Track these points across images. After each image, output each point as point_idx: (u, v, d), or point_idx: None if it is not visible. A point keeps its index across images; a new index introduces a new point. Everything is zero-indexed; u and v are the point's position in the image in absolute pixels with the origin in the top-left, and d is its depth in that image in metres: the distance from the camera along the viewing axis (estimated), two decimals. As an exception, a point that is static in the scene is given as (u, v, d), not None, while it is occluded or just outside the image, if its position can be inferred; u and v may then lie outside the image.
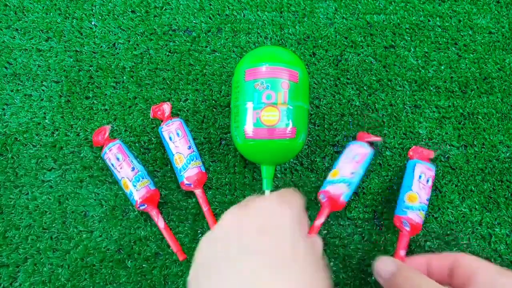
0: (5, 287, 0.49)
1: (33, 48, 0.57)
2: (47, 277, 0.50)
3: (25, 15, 0.58)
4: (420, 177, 0.48)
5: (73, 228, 0.51)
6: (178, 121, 0.51)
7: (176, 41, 0.58)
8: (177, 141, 0.50)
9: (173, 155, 0.51)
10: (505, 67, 0.58)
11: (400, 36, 0.59)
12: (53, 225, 0.51)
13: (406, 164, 0.51)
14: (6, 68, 0.56)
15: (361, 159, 0.47)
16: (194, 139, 0.53)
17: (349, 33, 0.59)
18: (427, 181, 0.47)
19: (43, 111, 0.55)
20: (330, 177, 0.47)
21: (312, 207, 0.53)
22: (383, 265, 0.38)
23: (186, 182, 0.50)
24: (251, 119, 0.45)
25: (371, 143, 0.50)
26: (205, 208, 0.51)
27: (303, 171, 0.54)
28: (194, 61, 0.57)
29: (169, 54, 0.57)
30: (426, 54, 0.58)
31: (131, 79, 0.56)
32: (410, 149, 0.52)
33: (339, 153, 0.54)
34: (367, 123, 0.55)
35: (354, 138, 0.55)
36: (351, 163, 0.47)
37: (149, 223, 0.52)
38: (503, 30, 0.59)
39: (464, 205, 0.53)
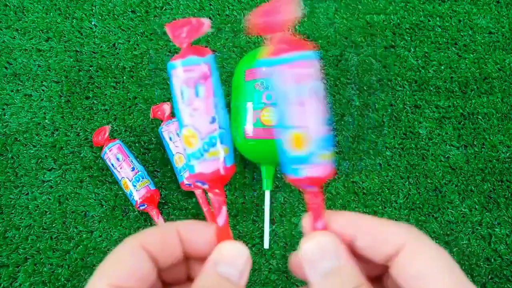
0: (5, 287, 0.49)
1: (33, 48, 0.57)
2: (47, 277, 0.50)
3: (25, 15, 0.58)
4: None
5: (73, 228, 0.51)
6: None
7: (176, 41, 0.58)
8: (177, 141, 0.50)
9: (173, 155, 0.51)
10: (505, 67, 0.58)
11: (400, 36, 0.59)
12: (53, 225, 0.51)
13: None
14: (6, 68, 0.56)
15: (313, 85, 0.21)
16: (194, 139, 0.53)
17: (349, 33, 0.59)
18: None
19: (43, 111, 0.55)
20: (294, 150, 0.21)
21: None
22: (317, 252, 0.20)
23: (186, 182, 0.50)
24: (251, 119, 0.45)
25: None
26: (205, 209, 0.51)
27: (303, 171, 0.54)
28: (194, 61, 0.57)
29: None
30: (426, 54, 0.58)
31: (131, 79, 0.56)
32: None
33: (339, 153, 0.54)
34: None
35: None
36: (310, 105, 0.21)
37: (149, 223, 0.52)
38: (503, 30, 0.59)
39: (464, 205, 0.53)
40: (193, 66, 0.20)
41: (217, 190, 0.21)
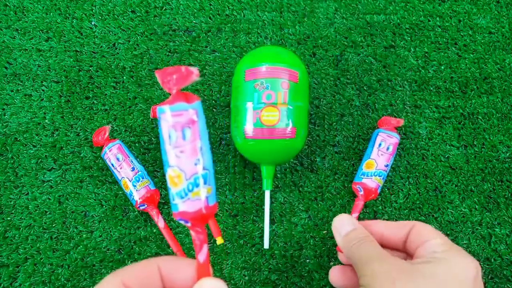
0: (5, 287, 0.49)
1: (33, 48, 0.57)
2: (47, 277, 0.50)
3: (25, 15, 0.58)
4: (380, 145, 0.50)
5: (73, 228, 0.51)
6: (178, 121, 0.51)
7: (176, 41, 0.58)
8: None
9: (173, 155, 0.50)
10: (505, 67, 0.58)
11: (400, 36, 0.59)
12: (53, 225, 0.51)
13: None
14: (6, 68, 0.56)
15: (393, 150, 0.49)
16: (194, 139, 0.53)
17: (349, 33, 0.59)
18: (387, 148, 0.49)
19: (43, 111, 0.55)
20: (365, 168, 0.50)
21: (312, 207, 0.53)
22: (340, 223, 0.36)
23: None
24: (251, 119, 0.45)
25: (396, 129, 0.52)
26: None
27: (303, 171, 0.54)
28: (194, 61, 0.57)
29: (169, 54, 0.57)
30: (426, 54, 0.58)
31: (131, 79, 0.56)
32: (379, 120, 0.54)
33: (339, 153, 0.54)
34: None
35: (374, 126, 0.55)
36: (385, 155, 0.49)
37: (149, 223, 0.52)
38: (503, 30, 0.59)
39: (464, 205, 0.53)
40: (181, 111, 0.22)
41: (198, 229, 0.23)
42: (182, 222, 0.23)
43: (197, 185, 0.22)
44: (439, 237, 0.31)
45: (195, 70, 0.22)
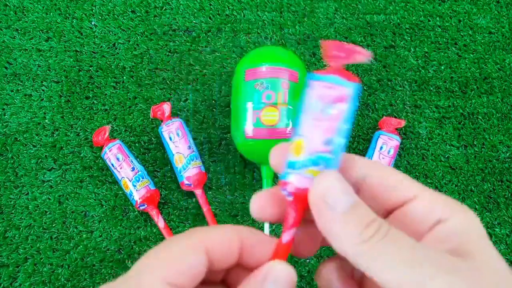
0: (5, 287, 0.49)
1: (33, 48, 0.57)
2: (47, 277, 0.50)
3: (25, 15, 0.58)
4: (381, 148, 0.48)
5: (73, 228, 0.51)
6: (178, 121, 0.51)
7: (176, 41, 0.58)
8: (177, 141, 0.50)
9: (173, 155, 0.51)
10: (505, 67, 0.58)
11: (400, 36, 0.59)
12: (53, 225, 0.51)
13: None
14: (6, 68, 0.56)
15: (394, 152, 0.29)
16: (194, 139, 0.53)
17: (349, 33, 0.59)
18: (388, 151, 0.45)
19: (43, 111, 0.55)
20: (292, 155, 0.21)
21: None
22: (328, 189, 0.20)
23: (186, 182, 0.50)
24: (251, 119, 0.45)
25: (351, 72, 0.25)
26: (205, 208, 0.51)
27: (303, 171, 0.54)
28: (194, 61, 0.57)
29: (169, 54, 0.57)
30: (426, 54, 0.58)
31: (131, 79, 0.56)
32: (380, 121, 0.52)
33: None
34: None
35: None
36: (386, 159, 0.30)
37: (149, 223, 0.52)
38: (503, 30, 0.59)
39: (464, 205, 0.53)
40: (335, 85, 0.20)
41: (296, 207, 0.21)
42: (284, 192, 0.21)
43: (317, 164, 0.20)
44: (457, 216, 0.20)
45: (367, 53, 0.20)
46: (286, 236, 0.21)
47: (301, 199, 0.20)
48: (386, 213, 0.21)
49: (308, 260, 0.51)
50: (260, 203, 0.22)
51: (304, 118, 0.21)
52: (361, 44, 0.58)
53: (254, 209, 0.22)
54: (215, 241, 0.20)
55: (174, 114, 0.54)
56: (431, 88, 0.57)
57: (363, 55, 0.20)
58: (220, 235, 0.21)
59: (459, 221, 0.20)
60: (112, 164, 0.50)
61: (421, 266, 0.17)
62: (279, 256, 0.21)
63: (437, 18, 0.60)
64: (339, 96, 0.20)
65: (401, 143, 0.54)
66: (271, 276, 0.20)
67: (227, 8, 0.59)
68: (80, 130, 0.55)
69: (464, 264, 0.18)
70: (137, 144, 0.54)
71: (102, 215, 0.52)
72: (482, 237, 0.20)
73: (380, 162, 0.21)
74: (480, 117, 0.56)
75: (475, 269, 0.18)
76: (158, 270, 0.19)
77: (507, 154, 0.55)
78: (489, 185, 0.54)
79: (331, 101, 0.20)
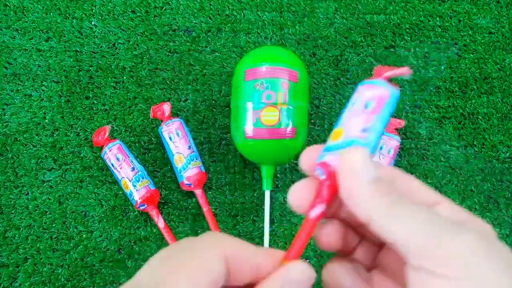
0: (5, 287, 0.49)
1: (33, 48, 0.57)
2: (47, 277, 0.50)
3: (25, 15, 0.58)
4: (381, 148, 0.38)
5: (73, 228, 0.51)
6: (178, 121, 0.51)
7: (176, 41, 0.58)
8: (177, 141, 0.50)
9: (173, 155, 0.51)
10: (505, 67, 0.58)
11: (400, 36, 0.59)
12: (53, 225, 0.51)
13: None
14: (6, 68, 0.56)
15: (378, 107, 0.26)
16: (194, 139, 0.53)
17: (349, 33, 0.59)
18: (388, 151, 0.33)
19: (43, 111, 0.55)
20: (330, 141, 0.24)
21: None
22: (358, 162, 0.21)
23: (186, 182, 0.50)
24: (251, 119, 0.45)
25: (392, 80, 0.28)
26: (205, 208, 0.51)
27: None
28: (194, 61, 0.57)
29: (169, 54, 0.57)
30: (426, 54, 0.58)
31: (131, 79, 0.56)
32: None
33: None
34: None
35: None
36: (361, 116, 0.27)
37: (149, 223, 0.52)
38: (503, 30, 0.59)
39: (464, 205, 0.53)
40: (377, 86, 0.23)
41: (328, 185, 0.22)
42: (318, 172, 0.22)
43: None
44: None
45: (408, 71, 0.23)
46: (315, 211, 0.22)
47: (333, 176, 0.21)
48: None
49: (308, 260, 0.51)
50: (298, 194, 0.22)
51: (346, 113, 0.24)
52: (361, 44, 0.58)
53: (292, 200, 0.22)
54: (238, 257, 0.20)
55: (174, 114, 0.54)
56: (431, 88, 0.57)
57: (405, 72, 0.23)
58: (244, 251, 0.21)
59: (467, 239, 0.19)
60: (112, 164, 0.50)
61: (440, 226, 0.18)
62: (305, 232, 0.22)
63: (437, 18, 0.60)
64: (379, 95, 0.23)
65: (401, 143, 0.54)
66: (291, 279, 0.20)
67: (227, 8, 0.59)
68: (80, 130, 0.55)
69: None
70: (137, 144, 0.54)
71: (102, 215, 0.52)
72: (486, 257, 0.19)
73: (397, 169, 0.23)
74: (480, 117, 0.56)
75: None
76: (186, 276, 0.19)
77: (507, 154, 0.55)
78: (489, 185, 0.54)
79: (372, 98, 0.23)
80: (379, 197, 0.19)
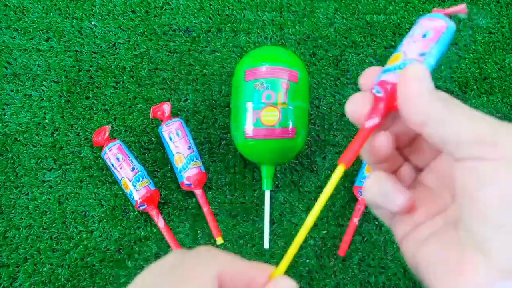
0: (5, 287, 0.49)
1: (33, 48, 0.57)
2: (47, 277, 0.50)
3: (25, 15, 0.58)
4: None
5: (73, 228, 0.51)
6: (178, 121, 0.51)
7: (176, 41, 0.58)
8: (177, 141, 0.50)
9: (173, 155, 0.51)
10: (505, 67, 0.58)
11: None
12: (53, 225, 0.51)
13: None
14: (6, 68, 0.56)
15: (435, 35, 0.28)
16: (194, 139, 0.53)
17: (349, 33, 0.59)
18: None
19: (43, 111, 0.55)
20: (388, 64, 0.26)
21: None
22: (379, 187, 0.23)
23: (186, 182, 0.50)
24: (251, 119, 0.45)
25: (451, 17, 0.30)
26: (205, 208, 0.51)
27: (303, 171, 0.54)
28: (194, 61, 0.57)
29: (169, 54, 0.57)
30: (426, 54, 0.58)
31: (131, 79, 0.56)
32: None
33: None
34: None
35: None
36: (420, 42, 0.28)
37: (149, 223, 0.52)
38: (503, 30, 0.59)
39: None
40: (437, 19, 0.26)
41: (384, 99, 0.24)
42: (375, 89, 0.24)
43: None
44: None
45: (464, 9, 0.25)
46: (370, 122, 0.24)
47: (390, 93, 0.24)
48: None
49: (308, 260, 0.51)
50: (355, 105, 0.24)
51: (406, 41, 0.26)
52: (361, 44, 0.58)
53: (349, 109, 0.24)
54: (230, 278, 0.21)
55: (174, 114, 0.54)
56: (431, 88, 0.57)
57: (462, 10, 0.25)
58: (237, 271, 0.22)
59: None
60: (112, 164, 0.50)
61: (492, 122, 0.20)
62: (360, 139, 0.23)
63: (437, 18, 0.60)
64: (437, 26, 0.25)
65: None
66: None
67: (227, 8, 0.59)
68: (80, 130, 0.55)
69: None
70: (137, 144, 0.54)
71: (102, 215, 0.52)
72: None
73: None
74: (480, 117, 0.56)
75: None
76: None
77: (507, 154, 0.55)
78: (489, 185, 0.54)
79: (430, 28, 0.25)
80: (436, 101, 0.21)
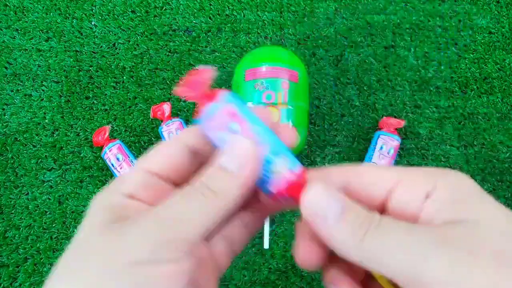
0: (5, 287, 0.49)
1: (33, 48, 0.57)
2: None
3: (25, 15, 0.58)
4: (381, 148, 0.48)
5: (73, 228, 0.51)
6: (178, 121, 0.51)
7: (176, 41, 0.58)
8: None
9: (173, 155, 0.50)
10: (505, 67, 0.58)
11: (400, 36, 0.59)
12: (53, 225, 0.51)
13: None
14: (6, 68, 0.56)
15: (394, 153, 0.44)
16: (194, 139, 0.53)
17: (349, 33, 0.59)
18: (388, 151, 0.44)
19: (43, 111, 0.55)
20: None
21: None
22: (318, 203, 0.19)
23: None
24: (251, 119, 0.45)
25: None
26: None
27: (303, 171, 0.54)
28: (194, 61, 0.57)
29: (169, 54, 0.57)
30: (426, 54, 0.58)
31: (131, 79, 0.56)
32: (380, 121, 0.52)
33: (339, 153, 0.54)
34: None
35: (375, 127, 0.55)
36: (387, 158, 0.43)
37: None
38: (503, 30, 0.59)
39: (464, 205, 0.53)
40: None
41: None
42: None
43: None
44: (442, 184, 0.20)
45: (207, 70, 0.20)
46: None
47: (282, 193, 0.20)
48: (382, 211, 0.20)
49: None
50: (303, 252, 0.21)
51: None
52: (361, 44, 0.58)
53: (299, 258, 0.21)
54: (160, 161, 0.21)
55: (174, 114, 0.54)
56: (431, 88, 0.57)
57: (204, 75, 0.20)
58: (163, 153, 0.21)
59: (446, 188, 0.19)
60: (112, 164, 0.50)
61: (418, 245, 0.17)
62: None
63: (437, 18, 0.60)
64: (228, 114, 0.20)
65: (401, 143, 0.54)
66: (226, 150, 0.20)
67: (227, 8, 0.59)
68: (80, 130, 0.55)
69: (464, 231, 0.17)
70: (137, 144, 0.54)
71: (102, 215, 0.52)
72: (477, 197, 0.20)
73: (351, 165, 0.20)
74: (480, 117, 0.56)
75: (475, 235, 0.17)
76: (141, 162, 0.21)
77: (507, 154, 0.55)
78: (489, 185, 0.54)
79: (226, 122, 0.20)
80: (351, 238, 0.18)
